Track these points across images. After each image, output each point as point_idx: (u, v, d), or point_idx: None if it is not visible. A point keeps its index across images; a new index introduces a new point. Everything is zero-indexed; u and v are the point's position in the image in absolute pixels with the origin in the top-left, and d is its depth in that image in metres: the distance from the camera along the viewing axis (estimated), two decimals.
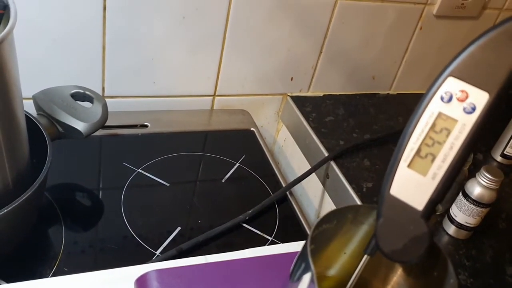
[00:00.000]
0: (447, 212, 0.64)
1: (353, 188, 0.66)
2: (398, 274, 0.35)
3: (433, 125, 0.28)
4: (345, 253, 0.35)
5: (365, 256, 0.32)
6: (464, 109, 0.27)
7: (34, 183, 0.46)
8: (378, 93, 0.90)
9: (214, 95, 0.79)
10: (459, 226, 0.61)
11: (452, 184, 0.28)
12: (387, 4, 0.79)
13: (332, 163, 0.70)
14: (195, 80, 0.76)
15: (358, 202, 0.65)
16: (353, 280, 0.33)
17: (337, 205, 0.69)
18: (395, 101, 0.90)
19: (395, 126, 0.82)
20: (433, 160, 0.28)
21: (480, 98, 0.27)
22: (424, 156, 0.28)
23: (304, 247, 0.29)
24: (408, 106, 0.89)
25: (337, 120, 0.80)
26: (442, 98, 0.28)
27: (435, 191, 0.28)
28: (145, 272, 0.40)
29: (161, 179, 0.63)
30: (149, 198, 0.61)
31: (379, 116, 0.84)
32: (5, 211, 0.43)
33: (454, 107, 0.28)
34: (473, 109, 0.27)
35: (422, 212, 0.28)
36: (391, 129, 0.80)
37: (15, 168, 0.46)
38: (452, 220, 0.62)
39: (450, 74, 0.28)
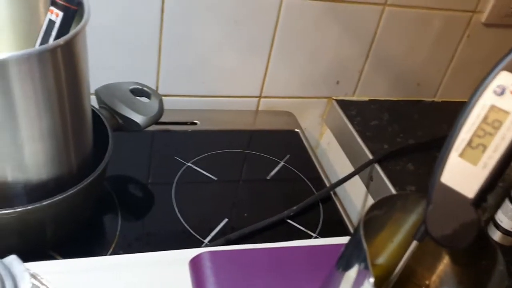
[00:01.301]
0: (492, 218, 0.64)
1: (397, 191, 0.67)
2: (444, 263, 0.36)
3: (485, 117, 0.30)
4: (392, 241, 0.36)
5: (413, 243, 0.33)
6: None
7: (97, 169, 0.49)
8: (423, 100, 0.90)
9: (260, 97, 0.81)
10: (505, 232, 0.61)
11: (503, 174, 0.29)
12: (434, 11, 0.80)
13: (377, 166, 0.71)
14: (242, 82, 0.78)
15: None
16: (400, 268, 0.34)
17: None
18: (439, 108, 0.90)
19: (439, 132, 0.82)
20: (484, 150, 0.29)
21: None
22: (475, 146, 0.30)
23: (357, 231, 0.31)
24: (453, 113, 0.88)
25: (382, 124, 0.81)
26: (494, 92, 0.29)
27: (486, 180, 0.29)
28: (199, 253, 0.43)
29: (209, 173, 0.66)
30: (198, 191, 0.64)
31: (423, 122, 0.84)
32: (70, 192, 0.46)
33: (507, 100, 0.29)
34: None
35: (472, 200, 0.29)
36: (435, 135, 0.81)
37: (80, 155, 0.50)
38: (497, 226, 0.62)
39: (503, 69, 0.29)
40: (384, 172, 0.70)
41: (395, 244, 0.36)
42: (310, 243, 0.48)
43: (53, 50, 0.40)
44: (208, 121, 0.76)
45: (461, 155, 0.30)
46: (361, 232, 0.30)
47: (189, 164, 0.67)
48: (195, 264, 0.42)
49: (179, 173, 0.65)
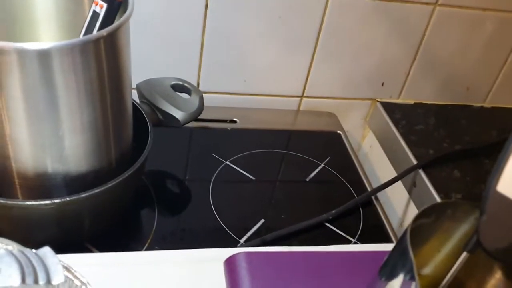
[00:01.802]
0: None
1: (441, 198, 0.64)
2: (496, 278, 0.34)
3: None
4: (440, 251, 0.34)
5: (464, 254, 0.31)
6: None
7: (136, 163, 0.49)
8: (472, 105, 0.86)
9: (302, 96, 0.79)
10: None
11: None
12: (488, 12, 0.76)
13: (421, 172, 0.68)
14: (284, 80, 0.77)
15: None
16: (448, 279, 0.32)
17: None
18: (489, 115, 0.86)
19: (488, 139, 0.78)
20: None
21: None
22: None
23: (403, 239, 0.29)
24: (503, 120, 0.85)
25: (428, 129, 0.78)
26: None
27: None
28: (234, 253, 0.42)
29: (247, 173, 0.65)
30: (236, 189, 0.63)
31: (471, 128, 0.81)
32: (108, 185, 0.46)
33: None
34: None
35: None
36: (483, 142, 0.77)
37: (120, 149, 0.50)
38: None
39: None
40: (428, 178, 0.67)
41: (443, 255, 0.34)
42: (350, 249, 0.46)
43: (96, 41, 0.40)
44: (247, 119, 0.75)
45: None
46: (408, 240, 0.28)
47: (227, 162, 0.66)
48: (231, 264, 0.41)
49: (217, 171, 0.64)
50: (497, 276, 0.34)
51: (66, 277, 0.31)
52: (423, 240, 0.33)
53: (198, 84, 0.74)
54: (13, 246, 0.31)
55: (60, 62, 0.39)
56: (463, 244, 0.30)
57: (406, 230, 0.29)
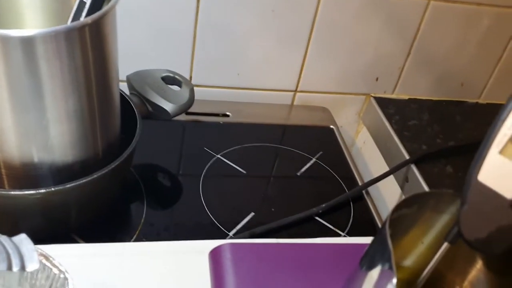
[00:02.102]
0: None
1: None
2: (477, 269, 0.34)
3: None
4: (422, 243, 0.34)
5: (444, 245, 0.30)
6: None
7: (123, 154, 0.48)
8: (466, 101, 0.86)
9: (295, 91, 0.79)
10: None
11: None
12: (483, 7, 0.76)
13: (413, 167, 0.67)
14: (278, 75, 0.77)
15: None
16: (429, 271, 0.32)
17: None
18: (483, 111, 0.85)
19: (482, 136, 0.78)
20: None
21: None
22: None
23: (382, 229, 0.29)
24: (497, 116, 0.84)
25: (421, 124, 0.77)
26: None
27: None
28: (219, 245, 0.41)
29: (238, 167, 0.65)
30: (226, 183, 0.62)
31: (465, 125, 0.80)
32: (95, 176, 0.45)
33: None
34: None
35: None
36: (478, 138, 0.76)
37: (107, 139, 0.49)
38: None
39: None
40: (420, 173, 0.67)
41: (424, 246, 0.34)
42: (337, 241, 0.45)
43: (81, 29, 0.40)
44: (240, 113, 0.75)
45: (502, 151, 0.28)
46: (387, 229, 0.28)
47: (219, 156, 0.66)
48: (215, 255, 0.41)
49: (208, 165, 0.64)
50: (478, 267, 0.34)
51: (44, 265, 0.30)
52: (404, 231, 0.33)
53: (190, 78, 0.74)
54: None
55: (44, 50, 0.39)
56: (444, 235, 0.30)
57: (386, 219, 0.29)
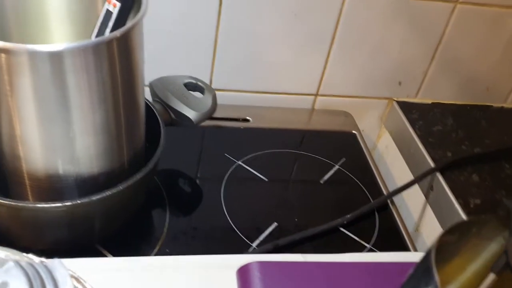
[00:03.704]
0: None
1: (460, 203, 0.62)
2: None
3: None
4: (465, 270, 0.33)
5: (490, 275, 0.29)
6: None
7: (148, 164, 0.48)
8: (492, 106, 0.84)
9: (316, 95, 0.78)
10: None
11: None
12: (510, 10, 0.74)
13: (438, 175, 0.66)
14: (299, 78, 0.76)
15: (464, 218, 0.61)
16: None
17: (440, 220, 0.65)
18: (509, 115, 0.83)
19: (508, 141, 0.76)
20: None
21: None
22: None
23: (427, 258, 0.28)
24: None
25: (445, 130, 0.76)
26: None
27: None
28: (248, 263, 0.41)
29: (260, 174, 0.64)
30: (248, 191, 0.62)
31: (491, 130, 0.78)
32: (120, 188, 0.45)
33: None
34: None
35: None
36: (504, 145, 0.75)
37: (132, 150, 0.49)
38: None
39: None
40: (446, 182, 0.65)
41: (468, 274, 0.33)
42: (367, 259, 0.44)
43: (109, 43, 0.39)
44: (261, 118, 0.74)
45: None
46: (432, 259, 0.27)
47: (240, 162, 0.65)
48: (244, 273, 0.40)
49: (229, 172, 0.63)
50: None
51: None
52: (447, 258, 0.32)
53: (210, 81, 0.73)
54: (21, 257, 0.30)
55: (72, 64, 0.38)
56: (490, 264, 0.29)
57: (430, 248, 0.28)
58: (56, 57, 0.37)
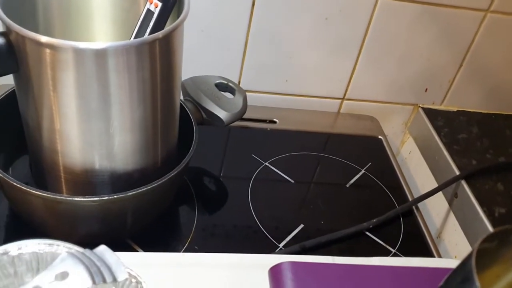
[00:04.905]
0: None
1: (484, 212, 0.62)
2: None
3: None
4: (505, 278, 0.33)
5: None
6: None
7: (182, 162, 0.49)
8: None
9: (343, 98, 0.78)
10: None
11: None
12: None
13: (463, 183, 0.66)
14: (326, 82, 0.76)
15: (489, 227, 0.61)
16: None
17: (464, 227, 0.65)
18: None
19: None
20: None
21: None
22: None
23: (466, 264, 0.28)
24: None
25: (470, 138, 0.76)
26: None
27: None
28: (279, 262, 0.41)
29: (286, 175, 0.64)
30: (275, 192, 0.62)
31: None
32: (155, 184, 0.46)
33: None
34: None
35: None
36: None
37: (166, 148, 0.50)
38: None
39: None
40: (471, 190, 0.65)
41: (505, 283, 0.33)
42: (395, 263, 0.45)
43: (151, 43, 0.40)
44: (287, 120, 0.74)
45: None
46: (473, 265, 0.27)
47: (267, 163, 0.65)
48: (276, 273, 0.41)
49: (256, 172, 0.64)
50: None
51: (129, 274, 0.31)
52: (486, 265, 0.32)
53: (239, 82, 0.74)
54: (69, 247, 0.31)
55: (115, 62, 0.39)
56: None
57: (470, 254, 0.28)
58: (100, 55, 0.38)
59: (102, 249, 0.29)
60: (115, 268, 0.28)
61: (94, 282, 0.26)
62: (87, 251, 0.29)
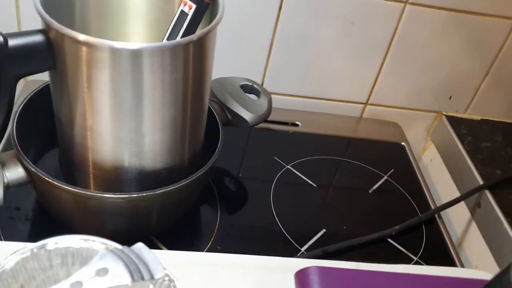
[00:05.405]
0: None
1: (509, 222, 0.62)
2: None
3: None
4: None
5: None
6: None
7: (208, 162, 0.49)
8: None
9: (366, 103, 0.78)
10: None
11: None
12: None
13: (487, 192, 0.66)
14: (350, 86, 0.76)
15: None
16: None
17: (486, 237, 0.65)
18: None
19: None
20: None
21: None
22: None
23: (503, 276, 0.28)
24: None
25: (494, 147, 0.75)
26: None
27: None
28: (306, 267, 0.41)
29: (308, 179, 0.65)
30: (297, 195, 0.62)
31: None
32: (183, 183, 0.46)
33: None
34: None
35: None
36: None
37: (193, 148, 0.50)
38: None
39: None
40: (495, 200, 0.65)
41: None
42: (420, 271, 0.45)
43: (186, 45, 0.40)
44: (310, 123, 0.74)
45: None
46: (511, 280, 0.27)
47: (289, 166, 0.66)
48: (302, 277, 0.41)
49: (278, 175, 0.64)
50: None
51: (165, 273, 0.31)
52: None
53: (262, 83, 0.74)
54: (105, 242, 0.31)
55: (150, 63, 0.40)
56: None
57: (508, 268, 0.28)
58: (135, 56, 0.39)
59: (140, 246, 0.30)
60: (152, 266, 0.28)
61: (133, 279, 0.27)
62: (125, 248, 0.29)
